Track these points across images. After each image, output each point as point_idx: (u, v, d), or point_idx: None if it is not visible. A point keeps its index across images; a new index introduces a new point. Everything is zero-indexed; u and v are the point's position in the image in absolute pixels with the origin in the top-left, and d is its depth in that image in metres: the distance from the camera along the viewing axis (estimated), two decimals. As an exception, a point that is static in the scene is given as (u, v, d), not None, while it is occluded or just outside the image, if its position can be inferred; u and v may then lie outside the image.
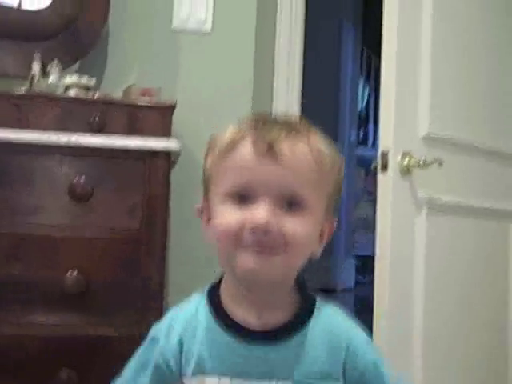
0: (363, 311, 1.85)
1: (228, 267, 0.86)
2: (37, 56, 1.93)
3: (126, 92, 2.01)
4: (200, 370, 0.86)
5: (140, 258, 1.68)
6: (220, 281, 0.92)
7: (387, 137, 1.91)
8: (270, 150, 0.81)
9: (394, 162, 1.90)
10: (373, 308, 1.88)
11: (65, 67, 2.02)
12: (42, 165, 1.71)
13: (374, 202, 2.12)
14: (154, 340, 0.92)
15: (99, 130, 1.83)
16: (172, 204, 2.16)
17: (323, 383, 0.86)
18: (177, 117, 1.96)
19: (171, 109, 1.90)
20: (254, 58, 2.32)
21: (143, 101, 1.89)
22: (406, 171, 1.94)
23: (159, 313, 1.68)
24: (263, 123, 0.86)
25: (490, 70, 2.25)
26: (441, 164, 1.97)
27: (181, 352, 0.88)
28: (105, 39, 2.20)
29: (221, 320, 0.87)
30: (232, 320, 0.87)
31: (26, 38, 2.08)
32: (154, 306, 1.68)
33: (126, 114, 1.85)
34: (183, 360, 0.87)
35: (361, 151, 5.71)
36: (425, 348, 1.93)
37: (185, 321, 0.90)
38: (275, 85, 2.44)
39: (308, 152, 0.84)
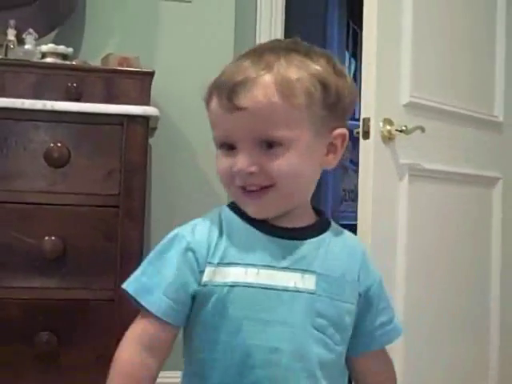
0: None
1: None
2: (11, 23, 1.89)
3: (104, 61, 1.99)
4: (226, 262, 0.88)
5: (118, 223, 1.67)
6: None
7: (369, 103, 1.90)
8: (230, 101, 0.84)
9: (375, 128, 1.89)
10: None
11: (41, 36, 1.99)
12: (17, 131, 1.69)
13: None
14: (178, 236, 0.92)
15: (77, 97, 1.81)
16: (152, 172, 2.15)
17: (342, 284, 0.91)
18: (155, 86, 1.94)
19: (150, 76, 1.87)
20: (235, 28, 2.30)
21: (121, 68, 1.87)
22: (387, 138, 1.94)
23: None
24: (231, 69, 0.88)
25: (471, 36, 2.23)
26: (423, 131, 1.96)
27: (206, 247, 0.89)
28: (82, 7, 2.16)
29: (246, 219, 0.91)
30: (256, 220, 0.91)
31: (0, 5, 2.03)
32: (132, 270, 1.66)
33: (103, 82, 1.83)
34: (209, 253, 0.88)
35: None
36: (407, 316, 1.93)
37: (209, 222, 0.92)
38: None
39: (271, 88, 0.84)
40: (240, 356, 0.86)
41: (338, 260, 0.93)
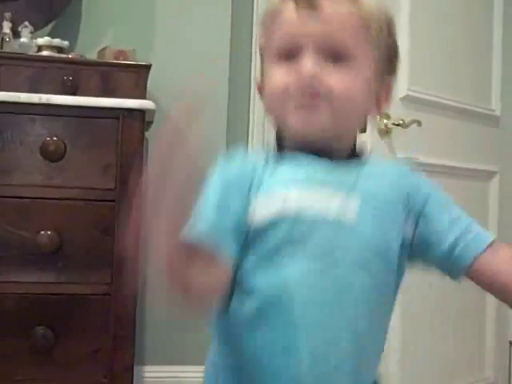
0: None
1: (283, 128, 0.90)
2: (7, 16, 1.88)
3: (101, 54, 1.97)
4: (272, 186, 0.85)
5: (114, 218, 1.66)
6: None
7: (365, 97, 1.91)
8: (311, 5, 0.84)
9: (372, 122, 1.89)
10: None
11: (37, 29, 1.98)
12: (13, 124, 1.68)
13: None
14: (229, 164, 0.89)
15: (73, 91, 1.80)
16: (149, 166, 2.14)
17: (387, 205, 0.87)
18: (152, 80, 1.93)
19: (146, 69, 1.87)
20: (232, 22, 2.28)
21: (118, 61, 1.86)
22: (384, 132, 1.94)
23: (134, 272, 1.67)
24: None
25: (469, 30, 2.24)
26: (419, 125, 1.97)
27: (253, 176, 0.86)
28: (78, 0, 2.15)
29: (290, 147, 0.89)
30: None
31: (-4, -2, 2.02)
32: (128, 265, 1.66)
33: (100, 75, 1.83)
34: (257, 181, 0.86)
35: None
36: (404, 309, 1.93)
37: (254, 154, 0.91)
38: (253, 49, 2.41)
39: (352, 7, 0.85)
40: (279, 287, 0.82)
41: (384, 181, 0.89)
